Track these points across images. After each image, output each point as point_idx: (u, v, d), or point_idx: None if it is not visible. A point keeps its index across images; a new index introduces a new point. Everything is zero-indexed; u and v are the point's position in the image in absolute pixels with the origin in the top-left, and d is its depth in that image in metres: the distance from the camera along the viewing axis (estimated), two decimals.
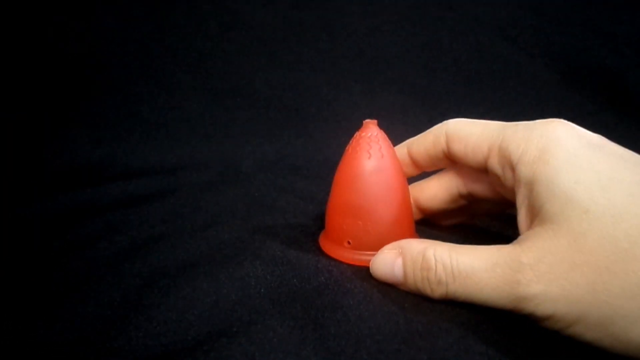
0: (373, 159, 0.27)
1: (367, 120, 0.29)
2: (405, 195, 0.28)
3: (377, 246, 0.27)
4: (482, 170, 0.28)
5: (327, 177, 0.49)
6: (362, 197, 0.27)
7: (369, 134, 0.28)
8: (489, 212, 0.33)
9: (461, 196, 0.31)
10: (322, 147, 0.56)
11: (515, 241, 0.23)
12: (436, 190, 0.31)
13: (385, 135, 0.29)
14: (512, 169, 0.24)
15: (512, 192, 0.25)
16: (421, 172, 0.32)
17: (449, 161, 0.30)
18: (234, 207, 0.39)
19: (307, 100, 0.60)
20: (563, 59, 0.63)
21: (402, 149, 0.32)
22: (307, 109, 0.60)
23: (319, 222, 0.35)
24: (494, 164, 0.26)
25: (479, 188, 0.30)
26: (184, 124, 0.57)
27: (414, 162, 0.31)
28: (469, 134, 0.27)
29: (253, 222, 0.35)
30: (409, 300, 0.24)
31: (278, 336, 0.22)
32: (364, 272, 0.28)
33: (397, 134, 0.58)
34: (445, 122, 0.29)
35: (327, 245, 0.30)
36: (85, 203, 0.41)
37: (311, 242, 0.32)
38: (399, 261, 0.25)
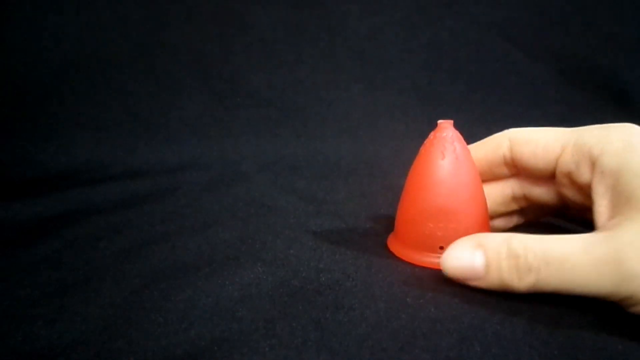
0: (458, 160, 0.27)
1: (442, 121, 0.28)
2: (484, 195, 0.29)
3: None
4: (544, 175, 0.28)
5: (327, 177, 0.49)
6: (455, 199, 0.27)
7: (445, 134, 0.27)
8: (540, 217, 0.33)
9: (514, 199, 0.31)
10: (322, 147, 0.56)
11: (603, 227, 0.23)
12: (489, 192, 0.31)
13: (460, 135, 0.28)
14: (592, 162, 0.24)
15: (583, 189, 0.25)
16: None
17: (507, 167, 0.30)
18: (234, 207, 0.39)
19: (307, 100, 0.60)
20: (563, 59, 0.63)
21: None
22: (307, 109, 0.60)
23: (319, 221, 0.35)
24: (567, 162, 0.26)
25: (537, 192, 0.30)
26: (184, 124, 0.57)
27: None
28: (538, 136, 0.28)
29: (253, 222, 0.35)
30: (412, 300, 0.24)
31: (279, 337, 0.22)
32: (365, 271, 0.27)
33: (397, 134, 0.59)
34: (506, 130, 0.29)
35: (412, 254, 0.28)
36: (85, 203, 0.41)
37: (312, 242, 0.32)
38: (479, 253, 0.24)
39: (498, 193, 0.31)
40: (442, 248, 0.27)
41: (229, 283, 0.26)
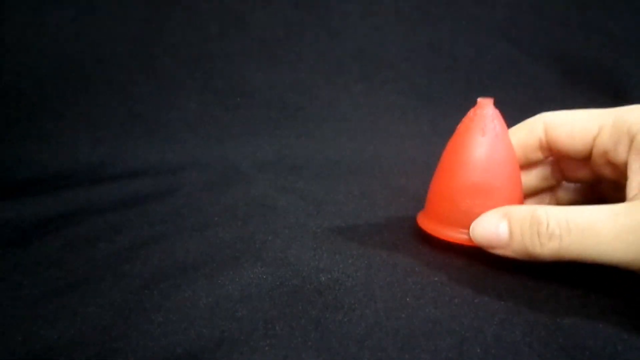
0: (498, 138, 0.27)
1: (482, 99, 0.28)
2: (520, 173, 0.29)
3: None
4: (581, 156, 0.28)
5: (327, 177, 0.49)
6: (494, 176, 0.27)
7: (485, 111, 0.27)
8: (574, 200, 0.33)
9: (551, 177, 0.31)
10: (322, 147, 0.56)
11: (629, 198, 0.23)
12: (525, 176, 0.31)
13: (499, 114, 0.28)
14: (630, 139, 0.25)
15: (620, 168, 0.25)
16: None
17: (541, 152, 0.30)
18: (234, 207, 0.39)
19: (307, 100, 0.60)
20: (563, 59, 0.63)
21: None
22: (307, 109, 0.60)
23: (319, 221, 0.35)
24: (604, 141, 0.26)
25: (572, 174, 0.30)
26: (184, 124, 0.57)
27: None
28: (574, 118, 0.28)
29: (253, 222, 0.35)
30: (412, 300, 0.24)
31: (279, 337, 0.22)
32: (365, 271, 0.27)
33: (397, 134, 0.58)
34: (539, 114, 0.29)
35: (446, 231, 0.28)
36: (85, 203, 0.41)
37: (312, 242, 0.32)
38: (504, 222, 0.25)
39: (532, 179, 0.31)
40: None
41: (229, 283, 0.26)
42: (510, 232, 0.24)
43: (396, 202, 0.40)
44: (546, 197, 0.33)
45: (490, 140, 0.27)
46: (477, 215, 0.27)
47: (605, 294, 0.24)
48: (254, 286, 0.26)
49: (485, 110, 0.27)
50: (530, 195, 0.32)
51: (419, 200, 0.40)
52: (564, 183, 0.32)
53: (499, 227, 0.25)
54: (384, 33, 0.62)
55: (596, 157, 0.27)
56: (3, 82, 0.55)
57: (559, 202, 0.33)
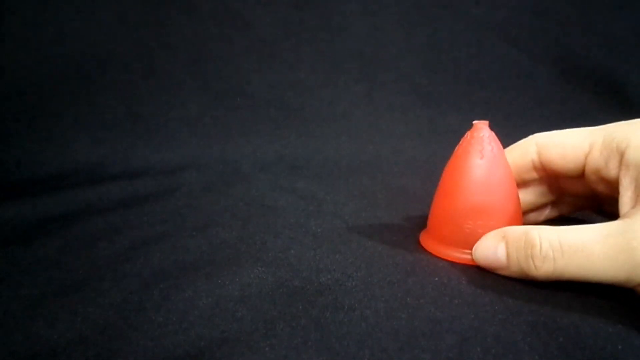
0: (496, 159, 0.28)
1: (477, 122, 0.29)
2: (518, 193, 0.29)
3: None
4: (574, 175, 0.28)
5: (327, 177, 0.49)
6: (495, 197, 0.27)
7: (482, 134, 0.28)
8: (573, 211, 0.34)
9: (548, 193, 0.32)
10: (322, 147, 0.56)
11: (622, 217, 0.23)
12: (522, 195, 0.32)
13: (495, 136, 0.29)
14: (620, 155, 0.25)
15: (612, 184, 0.26)
16: None
17: (535, 172, 0.30)
18: (234, 207, 0.39)
19: (307, 100, 0.60)
20: (563, 59, 0.63)
21: None
22: (307, 109, 0.60)
23: (319, 221, 0.35)
24: (596, 158, 0.27)
25: (567, 190, 0.31)
26: (184, 124, 0.57)
27: None
28: (565, 138, 0.28)
29: (253, 222, 0.35)
30: (412, 300, 0.24)
31: (279, 337, 0.22)
32: (365, 271, 0.27)
33: (397, 133, 0.58)
34: (531, 136, 0.30)
35: (450, 252, 0.29)
36: (85, 203, 0.41)
37: (312, 242, 0.32)
38: (502, 245, 0.25)
39: (529, 196, 0.32)
40: None
41: (229, 283, 0.26)
42: (507, 255, 0.25)
43: (396, 202, 0.40)
44: (547, 209, 0.33)
45: (488, 163, 0.28)
46: (480, 235, 0.27)
47: (605, 294, 0.24)
48: (254, 286, 0.26)
49: (482, 133, 0.28)
50: (530, 210, 0.33)
51: (419, 200, 0.40)
52: (563, 196, 0.32)
53: (497, 249, 0.25)
54: (384, 33, 0.62)
55: (589, 174, 0.28)
56: (3, 82, 0.55)
57: (561, 213, 0.34)
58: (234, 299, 0.25)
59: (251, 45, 0.60)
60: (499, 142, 0.29)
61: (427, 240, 0.31)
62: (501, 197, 0.28)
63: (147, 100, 0.57)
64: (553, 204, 0.33)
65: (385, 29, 0.63)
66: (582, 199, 0.32)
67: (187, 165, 0.51)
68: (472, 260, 0.28)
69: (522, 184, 0.31)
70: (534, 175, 0.31)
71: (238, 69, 0.60)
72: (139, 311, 0.24)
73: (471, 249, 0.28)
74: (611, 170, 0.26)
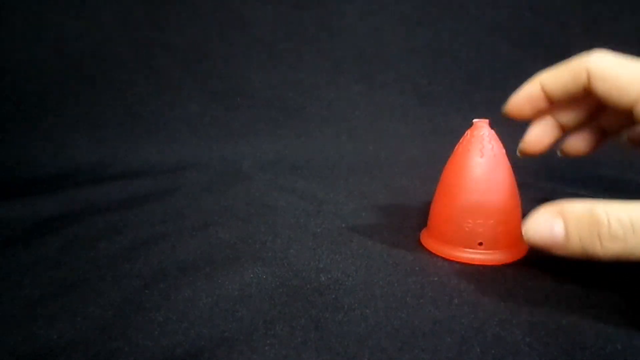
0: (496, 158, 0.28)
1: (477, 120, 0.29)
2: (517, 191, 0.29)
3: (508, 244, 0.27)
4: (624, 110, 0.26)
5: (327, 177, 0.49)
6: (494, 196, 0.27)
7: (482, 133, 0.28)
8: (620, 129, 0.31)
9: (594, 108, 0.30)
10: (322, 147, 0.56)
11: None
12: (568, 107, 0.30)
13: (495, 134, 0.29)
14: None
15: None
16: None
17: (587, 94, 0.28)
18: (234, 207, 0.39)
19: (307, 100, 0.60)
20: (563, 59, 0.63)
21: (535, 85, 0.30)
22: (307, 109, 0.60)
23: (319, 221, 0.35)
24: None
25: (615, 116, 0.29)
26: (184, 124, 0.57)
27: (549, 98, 0.29)
28: (616, 74, 0.26)
29: (253, 222, 0.35)
30: (412, 300, 0.24)
31: (279, 336, 0.22)
32: (365, 271, 0.27)
33: (397, 133, 0.58)
34: (586, 56, 0.28)
35: (450, 250, 0.29)
36: (85, 203, 0.41)
37: (312, 242, 0.32)
38: (559, 222, 0.23)
39: (576, 111, 0.30)
40: (481, 244, 0.28)
41: (229, 283, 0.26)
42: (567, 233, 0.23)
43: (396, 202, 0.40)
44: (590, 130, 0.31)
45: (488, 161, 0.28)
46: (479, 234, 0.27)
47: (605, 294, 0.24)
48: (254, 286, 0.26)
49: (482, 132, 0.28)
50: (574, 130, 0.31)
51: (419, 200, 0.40)
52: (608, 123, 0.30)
53: (553, 227, 0.23)
54: (384, 33, 0.62)
55: (636, 118, 0.26)
56: (3, 82, 0.55)
57: (604, 130, 0.32)
58: (233, 298, 0.25)
59: (251, 45, 0.60)
60: (499, 141, 0.29)
61: (428, 239, 0.31)
62: (501, 195, 0.28)
63: (147, 100, 0.57)
64: (596, 126, 0.31)
65: (385, 29, 0.63)
66: (626, 124, 0.30)
67: (187, 165, 0.51)
68: (472, 259, 0.28)
69: (568, 103, 0.30)
70: (583, 96, 0.28)
71: (238, 69, 0.60)
72: (139, 311, 0.24)
73: (471, 248, 0.28)
74: None
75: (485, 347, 0.21)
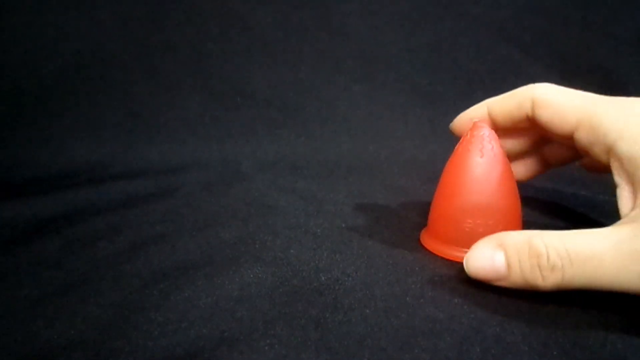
0: (496, 158, 0.28)
1: (477, 120, 0.29)
2: (517, 191, 0.29)
3: None
4: (563, 137, 0.28)
5: (327, 177, 0.49)
6: (494, 196, 0.27)
7: (482, 133, 0.28)
8: (564, 160, 0.33)
9: (539, 140, 0.32)
10: (322, 147, 0.56)
11: (628, 219, 0.23)
12: (511, 137, 0.31)
13: (495, 134, 0.29)
14: (607, 147, 0.24)
15: (597, 160, 0.25)
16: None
17: (531, 124, 0.30)
18: (234, 207, 0.39)
19: (307, 100, 0.60)
20: (563, 59, 0.63)
21: (482, 108, 0.31)
22: (307, 109, 0.60)
23: (319, 221, 0.35)
24: (582, 138, 0.26)
25: (558, 146, 0.31)
26: (184, 124, 0.57)
27: (493, 122, 0.31)
28: (557, 102, 0.27)
29: (253, 222, 0.35)
30: (412, 300, 0.24)
31: (279, 337, 0.22)
32: (365, 271, 0.27)
33: (397, 133, 0.58)
34: (531, 85, 0.29)
35: (450, 251, 0.29)
36: (85, 203, 0.41)
37: (312, 242, 0.32)
38: (500, 254, 0.23)
39: (518, 145, 0.32)
40: None
41: (229, 283, 0.26)
42: (508, 265, 0.23)
43: (396, 202, 0.40)
44: (533, 161, 0.33)
45: (488, 161, 0.28)
46: (480, 234, 0.27)
47: (605, 294, 0.24)
48: (254, 286, 0.26)
49: (482, 132, 0.28)
50: (517, 157, 0.33)
51: (419, 200, 0.40)
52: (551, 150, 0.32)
53: (494, 259, 0.23)
54: (384, 33, 0.62)
55: (577, 145, 0.27)
56: (3, 82, 0.55)
57: (546, 160, 0.33)
58: (233, 298, 0.25)
59: (251, 45, 0.60)
60: (499, 141, 0.29)
61: (428, 239, 0.31)
62: (501, 195, 0.28)
63: (147, 100, 0.57)
64: (540, 156, 0.33)
65: (385, 29, 0.62)
66: (569, 156, 0.32)
67: (187, 165, 0.51)
68: None
69: (513, 131, 0.31)
70: (527, 125, 0.30)
71: (238, 69, 0.60)
72: (139, 311, 0.24)
73: (469, 248, 0.28)
74: (598, 155, 0.25)
75: (485, 347, 0.21)
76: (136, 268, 0.29)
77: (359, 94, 0.61)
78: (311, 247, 0.31)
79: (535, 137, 0.32)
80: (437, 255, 0.29)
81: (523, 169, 0.34)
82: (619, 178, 0.24)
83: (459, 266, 0.28)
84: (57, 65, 0.56)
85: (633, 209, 0.23)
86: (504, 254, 0.23)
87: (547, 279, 0.22)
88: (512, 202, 0.28)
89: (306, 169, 0.51)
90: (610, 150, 0.24)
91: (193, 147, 0.55)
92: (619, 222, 0.23)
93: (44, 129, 0.54)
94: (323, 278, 0.27)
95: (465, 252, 0.28)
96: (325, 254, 0.30)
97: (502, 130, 0.31)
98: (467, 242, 0.28)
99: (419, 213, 0.37)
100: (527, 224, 0.31)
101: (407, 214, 0.37)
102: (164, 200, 0.41)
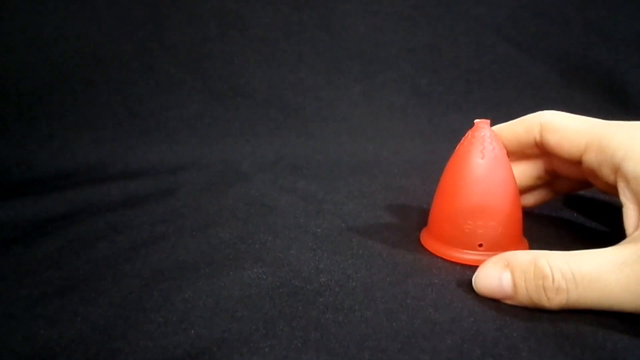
0: (497, 159, 0.28)
1: (479, 120, 0.29)
2: (519, 193, 0.29)
3: (508, 246, 0.27)
4: (572, 162, 0.28)
5: (327, 177, 0.49)
6: (495, 197, 0.27)
7: (483, 133, 0.28)
8: (571, 190, 0.34)
9: (545, 176, 0.32)
10: (322, 147, 0.56)
11: (632, 238, 0.23)
12: (520, 168, 0.32)
13: (496, 135, 0.29)
14: (614, 167, 0.25)
15: (606, 182, 0.26)
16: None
17: (537, 149, 0.30)
18: (234, 207, 0.39)
19: (307, 100, 0.60)
20: (563, 59, 0.63)
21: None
22: (307, 109, 0.60)
23: (319, 221, 0.35)
24: (591, 160, 0.26)
25: (566, 172, 0.31)
26: (184, 124, 0.57)
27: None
28: (566, 126, 0.28)
29: (253, 222, 0.35)
30: (412, 301, 0.24)
31: (279, 337, 0.22)
32: (365, 271, 0.27)
33: (397, 133, 0.58)
34: (540, 112, 0.30)
35: (450, 251, 0.29)
36: (85, 203, 0.41)
37: (312, 242, 0.32)
38: (507, 274, 0.24)
39: (528, 170, 0.32)
40: (481, 245, 0.28)
41: (229, 283, 0.26)
42: (514, 285, 0.23)
43: (396, 202, 0.40)
44: (543, 190, 0.34)
45: (489, 162, 0.28)
46: (480, 235, 0.27)
47: None
48: (254, 286, 0.26)
49: (483, 132, 0.28)
50: (528, 189, 0.33)
51: (419, 200, 0.40)
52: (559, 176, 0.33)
53: (501, 279, 0.24)
54: (384, 33, 0.62)
55: (585, 168, 0.28)
56: (3, 82, 0.55)
57: (556, 192, 0.34)
58: (234, 299, 0.25)
59: (251, 45, 0.60)
60: (500, 142, 0.29)
61: (428, 239, 0.31)
62: (502, 197, 0.28)
63: (146, 100, 0.57)
64: (549, 182, 0.33)
65: (385, 29, 0.62)
66: (577, 182, 0.32)
67: (187, 165, 0.51)
68: (472, 260, 0.28)
69: (523, 157, 0.32)
70: (536, 151, 0.31)
71: (238, 69, 0.60)
72: (139, 311, 0.24)
73: (471, 249, 0.28)
74: (606, 175, 0.26)
75: (485, 349, 0.21)
76: (136, 268, 0.29)
77: (359, 94, 0.61)
78: (311, 247, 0.31)
79: (542, 171, 0.32)
80: (437, 256, 0.29)
81: (532, 199, 0.34)
82: (624, 197, 0.25)
83: (459, 267, 0.28)
84: (57, 65, 0.56)
85: (637, 228, 0.23)
86: (510, 273, 0.24)
87: (553, 300, 0.22)
88: (513, 203, 0.28)
89: (306, 169, 0.51)
90: (617, 169, 0.25)
91: (193, 147, 0.55)
92: (623, 242, 0.23)
93: (44, 129, 0.54)
94: (323, 279, 0.27)
95: (466, 252, 0.28)
96: (326, 254, 0.30)
97: (512, 161, 0.31)
98: (468, 242, 0.28)
99: (419, 213, 0.37)
100: (527, 224, 0.31)
101: (407, 214, 0.37)
102: (164, 200, 0.41)
